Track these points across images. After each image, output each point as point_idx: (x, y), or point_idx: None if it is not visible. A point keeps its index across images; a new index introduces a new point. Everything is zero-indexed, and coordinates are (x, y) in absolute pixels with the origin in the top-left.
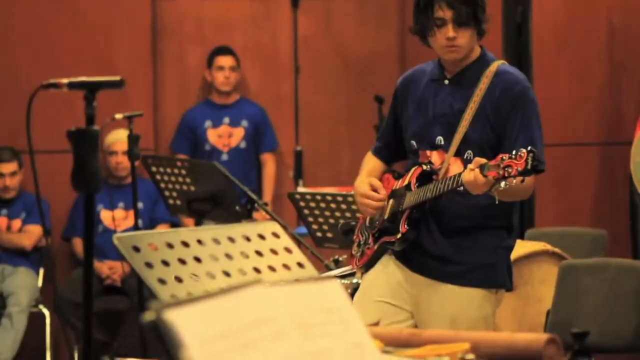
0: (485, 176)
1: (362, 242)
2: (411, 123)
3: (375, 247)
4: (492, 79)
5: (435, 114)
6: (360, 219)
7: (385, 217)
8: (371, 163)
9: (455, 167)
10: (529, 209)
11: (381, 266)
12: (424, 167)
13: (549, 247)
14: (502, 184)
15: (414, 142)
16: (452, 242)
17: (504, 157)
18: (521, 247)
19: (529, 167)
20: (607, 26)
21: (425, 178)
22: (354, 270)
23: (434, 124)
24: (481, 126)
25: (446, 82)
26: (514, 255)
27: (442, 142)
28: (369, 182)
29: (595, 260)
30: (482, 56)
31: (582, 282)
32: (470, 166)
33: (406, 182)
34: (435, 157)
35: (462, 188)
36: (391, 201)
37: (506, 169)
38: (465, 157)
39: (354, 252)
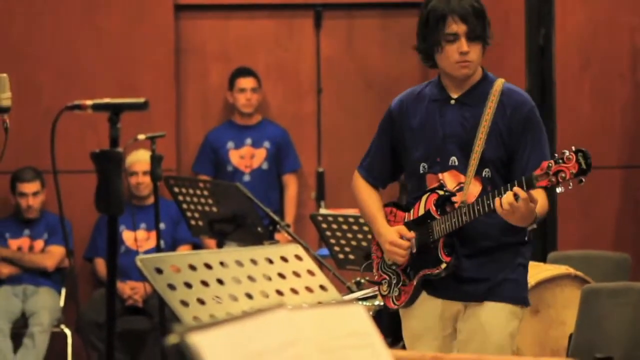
0: (528, 190)
1: (392, 282)
2: (417, 146)
3: (415, 282)
4: (500, 97)
5: (445, 134)
6: (374, 257)
7: (414, 250)
8: (373, 198)
9: (474, 187)
10: (552, 232)
11: (414, 315)
12: (440, 192)
13: (571, 270)
14: (558, 190)
15: (424, 165)
16: (476, 261)
17: (550, 164)
18: (544, 271)
19: (583, 166)
20: (630, 47)
21: (444, 203)
22: (376, 293)
23: (445, 145)
24: (495, 144)
25: (452, 102)
26: (537, 278)
27: (457, 163)
28: (398, 230)
29: (618, 284)
30: (485, 75)
31: (605, 306)
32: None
33: (422, 210)
34: (447, 178)
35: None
36: (412, 233)
37: (558, 174)
38: (483, 175)
39: (384, 293)
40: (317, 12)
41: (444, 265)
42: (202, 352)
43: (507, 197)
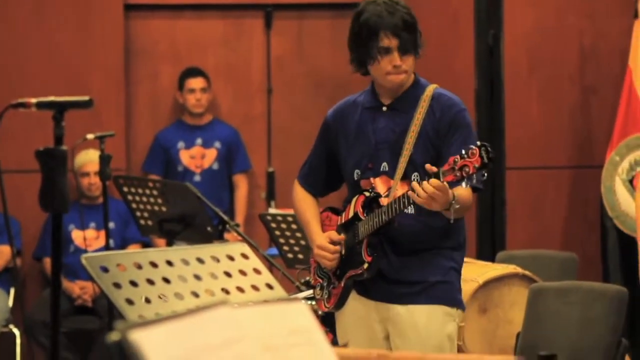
0: (442, 182)
1: (324, 285)
2: (351, 154)
3: (342, 284)
4: (429, 103)
5: (377, 141)
6: (312, 262)
7: (343, 252)
8: (310, 205)
9: (402, 190)
10: (501, 232)
11: (345, 317)
12: (367, 193)
13: (519, 269)
14: (464, 184)
15: (357, 172)
16: (407, 263)
17: (456, 159)
18: (492, 270)
19: (485, 160)
20: (578, 49)
21: (371, 204)
22: None
23: (377, 151)
24: (424, 148)
25: (384, 108)
26: (485, 277)
27: (387, 168)
28: (328, 235)
29: (565, 283)
30: (416, 81)
31: (551, 305)
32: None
33: (352, 213)
34: (378, 183)
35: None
36: (342, 235)
37: (463, 169)
38: (412, 179)
39: (317, 296)
40: (267, 13)
41: (366, 265)
42: (144, 349)
43: (418, 184)
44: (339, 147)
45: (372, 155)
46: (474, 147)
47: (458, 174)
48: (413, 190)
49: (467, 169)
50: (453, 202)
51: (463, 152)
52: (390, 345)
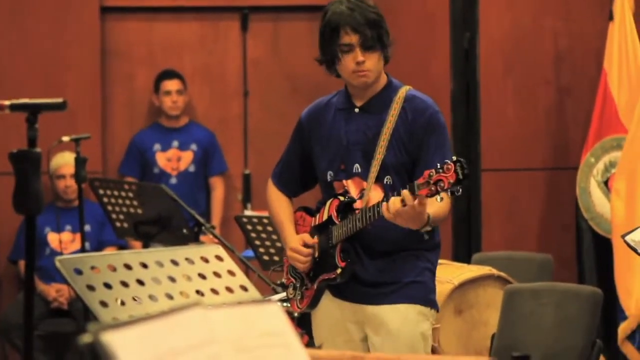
0: (416, 196)
1: (297, 285)
2: (324, 155)
3: (315, 286)
4: (402, 105)
5: (349, 142)
6: (285, 261)
7: (316, 255)
8: (284, 206)
9: (375, 193)
10: (477, 234)
11: (321, 319)
12: (342, 198)
13: (494, 271)
14: (438, 198)
15: (330, 173)
16: (381, 265)
17: (432, 173)
18: (467, 271)
19: (460, 177)
20: (553, 52)
21: (345, 209)
22: None
23: (349, 152)
24: (397, 151)
25: (356, 110)
26: (460, 279)
27: (360, 170)
28: (302, 237)
29: (540, 284)
30: (389, 83)
31: (527, 306)
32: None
33: (326, 216)
34: (351, 185)
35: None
36: (315, 238)
37: (438, 184)
38: (385, 182)
39: (290, 296)
40: (243, 15)
41: (339, 271)
42: (116, 351)
43: (393, 202)
44: (312, 148)
45: (344, 157)
46: (449, 162)
47: (433, 189)
48: (386, 201)
49: (441, 184)
50: (427, 225)
51: (438, 166)
52: (369, 346)
